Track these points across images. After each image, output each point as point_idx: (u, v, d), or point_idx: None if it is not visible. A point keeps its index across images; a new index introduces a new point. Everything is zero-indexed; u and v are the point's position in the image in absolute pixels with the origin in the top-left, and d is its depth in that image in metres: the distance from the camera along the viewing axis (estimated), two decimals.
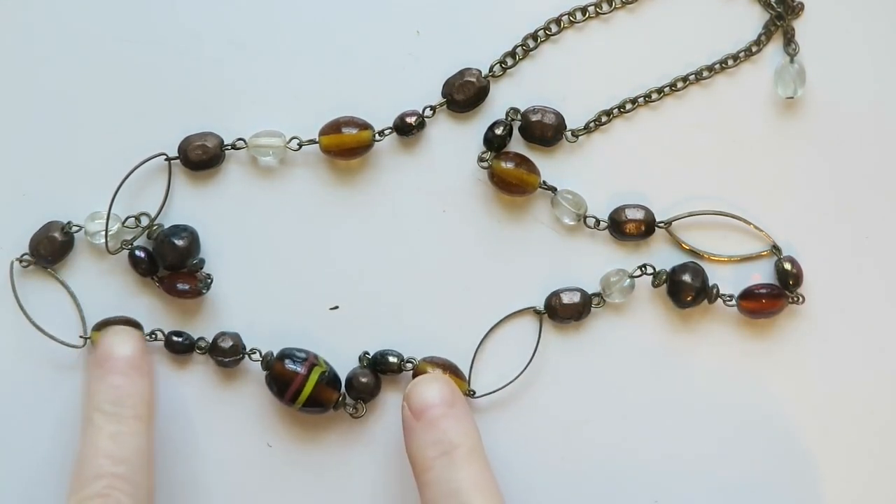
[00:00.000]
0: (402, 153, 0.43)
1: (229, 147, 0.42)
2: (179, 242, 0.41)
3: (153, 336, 0.42)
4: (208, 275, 0.42)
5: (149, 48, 0.42)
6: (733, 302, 0.42)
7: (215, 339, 0.42)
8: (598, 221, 0.42)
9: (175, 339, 0.42)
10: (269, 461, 0.43)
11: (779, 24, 0.43)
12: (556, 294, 0.42)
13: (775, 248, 0.42)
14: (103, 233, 0.41)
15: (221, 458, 0.42)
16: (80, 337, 0.42)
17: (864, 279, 0.43)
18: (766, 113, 0.43)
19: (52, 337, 0.42)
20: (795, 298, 0.42)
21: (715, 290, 0.42)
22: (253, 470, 0.42)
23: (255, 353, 0.42)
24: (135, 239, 0.42)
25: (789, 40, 0.43)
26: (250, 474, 0.42)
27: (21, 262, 0.42)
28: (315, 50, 0.42)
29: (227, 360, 0.42)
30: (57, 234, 0.42)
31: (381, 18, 0.42)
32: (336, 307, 0.43)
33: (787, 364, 0.43)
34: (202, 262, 0.42)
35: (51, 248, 0.42)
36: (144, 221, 0.42)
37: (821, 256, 0.43)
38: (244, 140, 0.42)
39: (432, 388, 0.39)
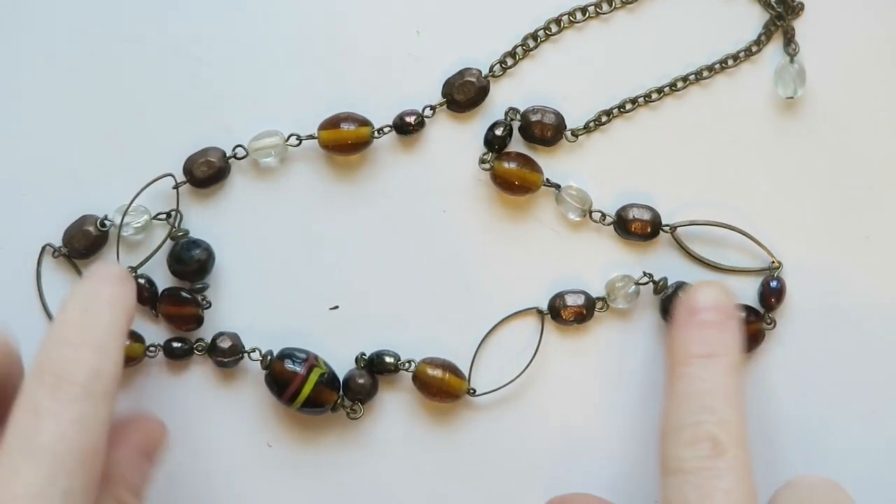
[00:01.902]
0: (403, 153, 0.43)
1: (232, 157, 0.42)
2: (196, 255, 0.41)
3: (153, 352, 0.42)
4: (206, 299, 0.42)
5: (149, 48, 0.42)
6: None
7: (214, 340, 0.42)
8: (604, 216, 0.42)
9: (174, 345, 0.42)
10: (269, 461, 0.43)
11: (779, 24, 0.43)
12: (560, 295, 0.42)
13: (772, 267, 0.42)
14: (131, 226, 0.42)
15: (221, 459, 0.42)
16: None
17: (865, 279, 0.43)
18: (766, 113, 0.43)
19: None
20: (768, 322, 0.42)
21: None
22: (253, 470, 0.42)
23: (254, 352, 0.42)
24: (140, 266, 0.42)
25: (789, 40, 0.43)
26: (250, 474, 0.42)
27: (53, 252, 0.42)
28: (315, 50, 0.42)
29: (226, 360, 0.42)
30: (91, 229, 0.42)
31: (381, 18, 0.42)
32: (336, 307, 0.43)
33: (787, 365, 0.43)
34: (206, 286, 0.42)
35: (85, 242, 0.42)
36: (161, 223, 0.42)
37: (820, 256, 0.43)
38: (243, 147, 0.42)
39: (717, 293, 0.39)
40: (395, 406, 0.43)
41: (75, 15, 0.42)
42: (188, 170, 0.42)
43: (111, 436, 0.36)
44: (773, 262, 0.42)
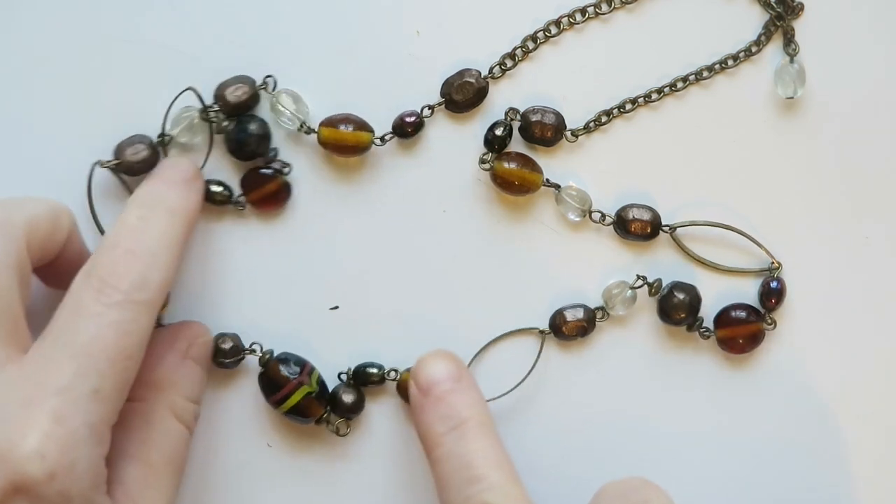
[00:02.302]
0: (402, 153, 0.43)
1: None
2: (254, 129, 0.41)
3: None
4: (285, 162, 0.42)
5: (149, 48, 0.42)
6: (709, 334, 0.42)
7: (215, 341, 0.42)
8: (603, 216, 0.42)
9: None
10: (269, 461, 0.42)
11: (779, 24, 0.43)
12: (559, 313, 0.42)
13: (772, 268, 0.42)
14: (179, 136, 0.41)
15: (221, 459, 0.42)
16: None
17: (864, 278, 0.43)
18: (766, 113, 0.43)
19: None
20: (768, 322, 0.42)
21: (699, 322, 0.42)
22: (253, 470, 0.42)
23: (255, 347, 0.42)
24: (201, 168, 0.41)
25: (789, 40, 0.43)
26: (250, 474, 0.42)
27: (103, 165, 0.41)
28: (315, 50, 0.42)
29: (227, 360, 0.42)
30: (143, 146, 0.41)
31: (381, 18, 0.42)
32: (336, 307, 0.43)
33: (786, 364, 0.43)
34: (276, 150, 0.42)
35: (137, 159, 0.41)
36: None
37: (820, 256, 0.43)
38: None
39: (438, 364, 0.39)
40: (394, 409, 0.43)
41: (74, 15, 0.42)
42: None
43: (157, 345, 0.37)
44: (773, 262, 0.42)
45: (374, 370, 0.42)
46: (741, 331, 0.42)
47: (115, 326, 0.34)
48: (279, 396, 0.41)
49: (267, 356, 0.41)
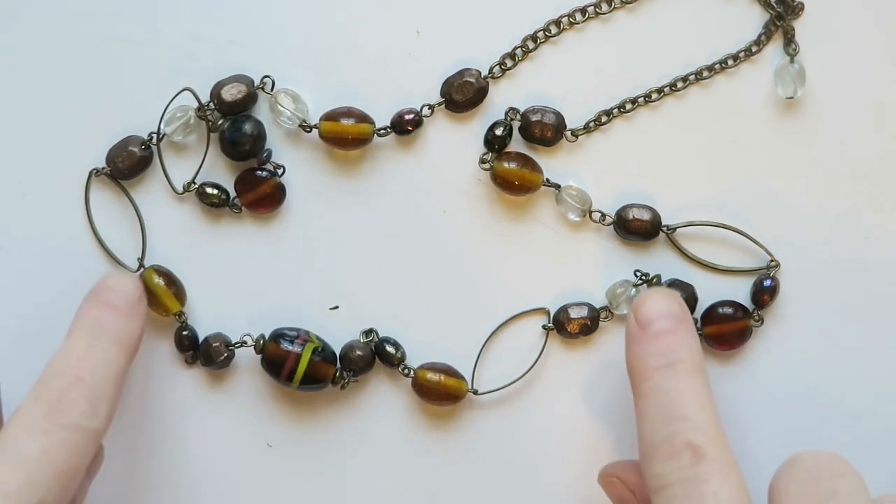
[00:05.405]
0: (402, 153, 0.43)
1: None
2: (249, 129, 0.41)
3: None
4: (278, 164, 0.42)
5: (149, 48, 0.42)
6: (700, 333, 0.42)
7: (204, 344, 0.42)
8: (603, 216, 0.42)
9: (183, 332, 0.42)
10: (270, 461, 0.43)
11: (779, 24, 0.43)
12: (564, 309, 0.42)
13: (770, 266, 0.42)
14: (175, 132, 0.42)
15: (221, 458, 0.42)
16: (137, 260, 0.42)
17: (864, 279, 0.43)
18: (766, 113, 0.43)
19: (109, 253, 0.42)
20: (756, 319, 0.42)
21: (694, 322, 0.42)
22: (253, 470, 0.43)
23: (245, 339, 0.42)
24: (196, 175, 0.42)
25: (789, 40, 0.43)
26: (250, 474, 0.43)
27: (97, 173, 0.42)
28: (315, 50, 0.42)
29: (218, 360, 0.42)
30: (135, 149, 0.42)
31: (381, 18, 0.42)
32: (336, 307, 0.43)
33: (787, 364, 0.43)
34: (270, 152, 0.42)
35: (129, 162, 0.42)
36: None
37: (820, 256, 0.43)
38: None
39: (662, 302, 0.38)
40: (397, 404, 0.43)
41: (73, 15, 0.42)
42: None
43: None
44: (772, 260, 0.42)
45: (393, 350, 0.42)
46: (727, 327, 0.42)
47: (63, 445, 0.35)
48: (287, 371, 0.41)
49: (261, 341, 0.41)
